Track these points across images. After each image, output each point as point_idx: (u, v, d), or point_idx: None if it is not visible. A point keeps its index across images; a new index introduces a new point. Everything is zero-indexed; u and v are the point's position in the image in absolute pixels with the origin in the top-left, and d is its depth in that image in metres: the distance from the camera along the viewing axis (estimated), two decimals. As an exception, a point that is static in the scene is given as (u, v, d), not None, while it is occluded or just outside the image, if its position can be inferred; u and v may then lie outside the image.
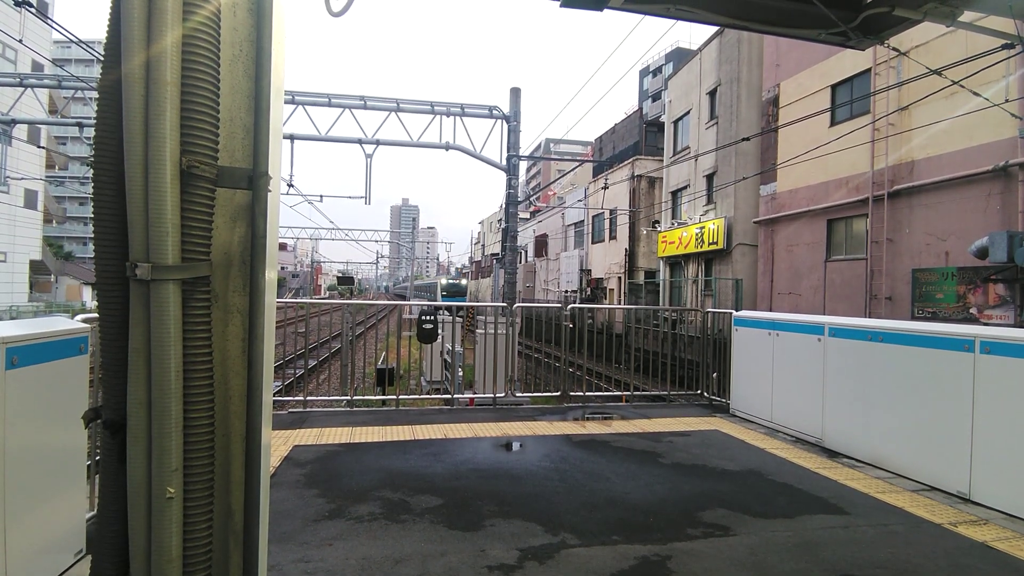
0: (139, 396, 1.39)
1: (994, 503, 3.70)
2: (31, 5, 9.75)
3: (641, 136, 30.52)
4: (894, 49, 10.86)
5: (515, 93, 13.57)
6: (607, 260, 30.45)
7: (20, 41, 19.76)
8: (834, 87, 15.89)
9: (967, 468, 3.85)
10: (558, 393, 7.18)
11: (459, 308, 11.46)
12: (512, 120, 13.36)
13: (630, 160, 28.76)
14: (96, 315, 2.40)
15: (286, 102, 11.70)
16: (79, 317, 3.00)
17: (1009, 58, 9.07)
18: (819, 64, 16.24)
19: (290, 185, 16.35)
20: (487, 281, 50.30)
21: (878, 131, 14.13)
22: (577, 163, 36.02)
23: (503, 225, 14.67)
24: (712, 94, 22.19)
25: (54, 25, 10.32)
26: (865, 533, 3.32)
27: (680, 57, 40.20)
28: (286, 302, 8.63)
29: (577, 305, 7.86)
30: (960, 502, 3.83)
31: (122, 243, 1.42)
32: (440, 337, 8.48)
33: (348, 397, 6.75)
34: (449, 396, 7.67)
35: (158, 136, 1.36)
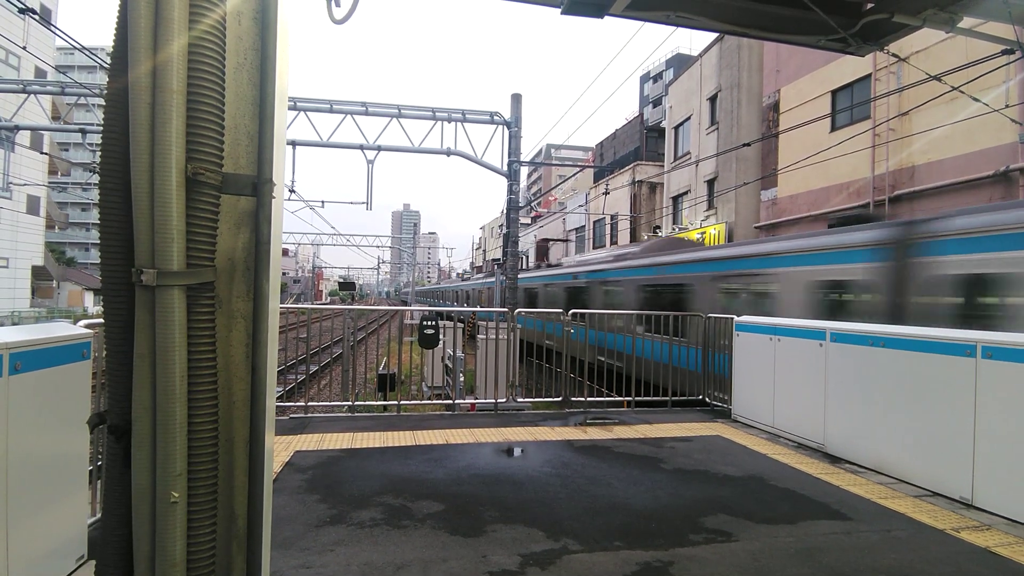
0: (144, 401, 1.40)
1: (997, 508, 3.69)
2: (35, 12, 9.82)
3: (642, 141, 30.60)
4: (894, 55, 10.89)
5: (516, 99, 13.62)
6: (608, 265, 30.44)
7: (24, 48, 19.84)
8: (834, 92, 15.94)
9: (969, 473, 3.84)
10: (559, 398, 7.18)
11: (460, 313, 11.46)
12: (513, 126, 13.39)
13: (631, 165, 28.82)
14: (99, 321, 2.42)
15: (288, 108, 11.67)
16: (81, 323, 3.01)
17: (1009, 63, 9.09)
18: (819, 70, 16.29)
19: (292, 191, 16.41)
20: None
21: (878, 136, 14.16)
22: (578, 168, 36.11)
23: (504, 230, 14.69)
24: (713, 100, 22.26)
25: (57, 32, 10.38)
26: (868, 539, 3.32)
27: (681, 63, 40.34)
28: (288, 307, 8.62)
29: (578, 310, 7.87)
30: (963, 507, 3.82)
31: (128, 249, 1.44)
32: (441, 343, 8.48)
33: (349, 402, 6.75)
34: (450, 401, 7.66)
35: (164, 143, 1.38)
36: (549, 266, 24.71)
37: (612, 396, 8.32)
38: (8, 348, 2.16)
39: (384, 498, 3.78)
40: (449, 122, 13.68)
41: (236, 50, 1.58)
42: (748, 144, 13.85)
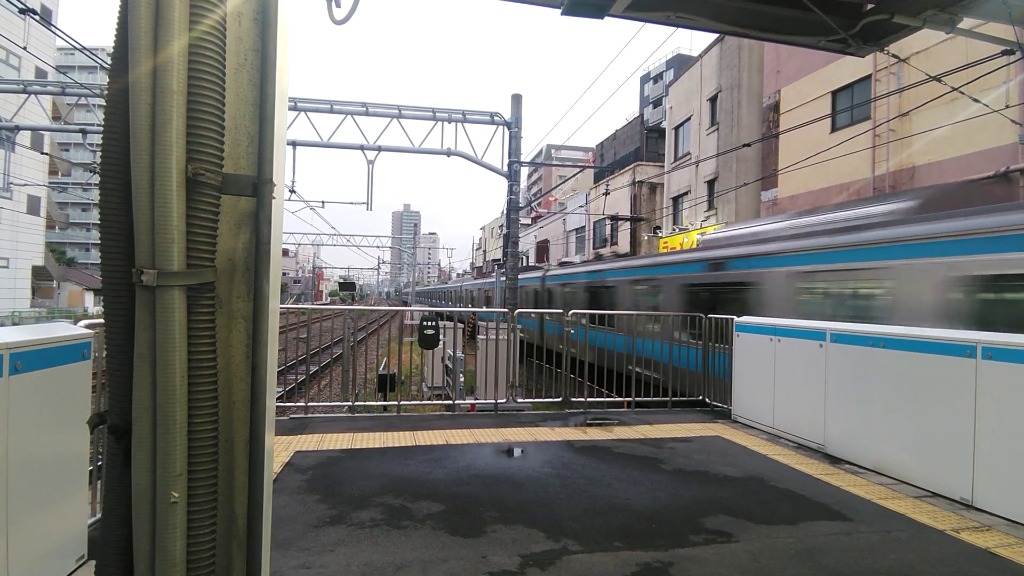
0: (144, 401, 1.40)
1: (997, 509, 3.68)
2: (35, 12, 9.83)
3: (642, 142, 30.59)
4: (894, 56, 10.90)
5: (516, 100, 13.62)
6: (608, 266, 30.40)
7: (24, 48, 19.85)
8: (835, 93, 15.94)
9: (969, 474, 3.84)
10: (560, 399, 7.18)
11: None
12: (513, 126, 13.40)
13: (631, 166, 28.82)
14: (99, 321, 2.42)
15: (288, 108, 11.56)
16: (82, 323, 3.01)
17: (1009, 64, 9.09)
18: (819, 70, 16.30)
19: (292, 191, 16.41)
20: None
21: (879, 137, 14.16)
22: (578, 169, 36.11)
23: (504, 231, 14.69)
24: (713, 100, 22.26)
25: (58, 32, 10.39)
26: (868, 540, 3.31)
27: (681, 63, 40.34)
28: (288, 308, 8.62)
29: (578, 310, 7.87)
30: (963, 508, 3.82)
31: (128, 249, 1.44)
32: (442, 343, 8.48)
33: (350, 403, 6.75)
34: (450, 402, 7.66)
35: (164, 144, 1.38)
36: (618, 255, 17.14)
37: (612, 397, 8.32)
38: (8, 348, 2.16)
39: (384, 498, 3.78)
40: (449, 122, 13.68)
41: (236, 51, 1.58)
42: (748, 144, 13.86)
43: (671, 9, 4.91)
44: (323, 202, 25.63)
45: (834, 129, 15.79)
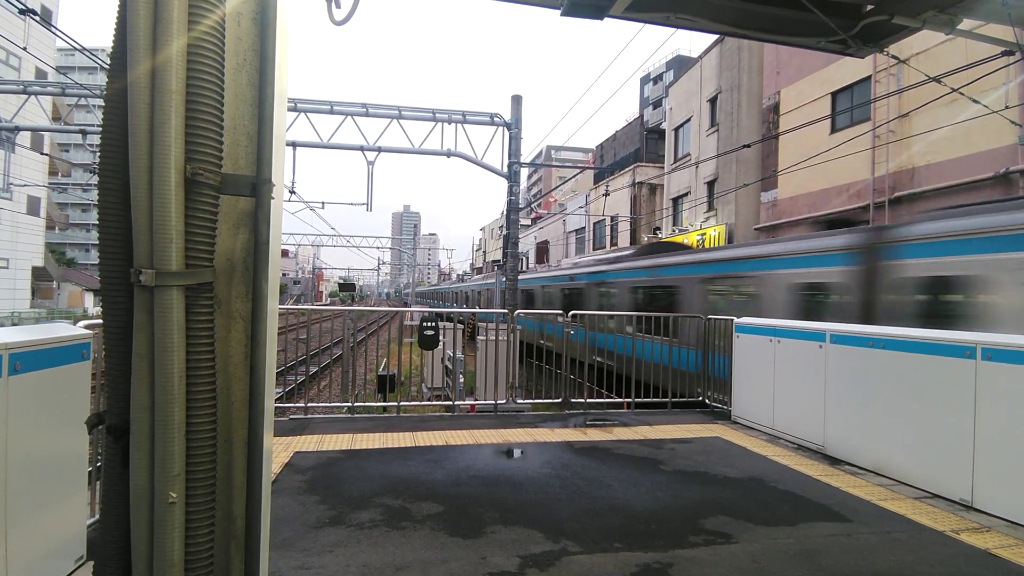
0: (142, 401, 1.40)
1: (997, 510, 3.68)
2: (35, 13, 9.83)
3: (642, 143, 30.62)
4: (894, 57, 10.91)
5: (516, 100, 13.62)
6: (608, 266, 30.40)
7: (24, 49, 19.86)
8: (834, 94, 15.95)
9: (969, 475, 3.83)
10: (559, 400, 7.17)
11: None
12: (513, 127, 13.40)
13: (631, 167, 28.85)
14: (98, 321, 2.42)
15: (288, 109, 11.43)
16: (81, 323, 3.01)
17: (1009, 65, 9.10)
18: (819, 72, 16.31)
19: (292, 192, 16.42)
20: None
21: (879, 138, 14.17)
22: (578, 170, 36.13)
23: (504, 232, 14.68)
24: (713, 101, 22.28)
25: (58, 33, 10.39)
26: (867, 541, 3.31)
27: (681, 64, 40.36)
28: (287, 308, 8.61)
29: (578, 311, 7.86)
30: (963, 509, 3.81)
31: (127, 249, 1.44)
32: (441, 344, 8.47)
33: (349, 403, 6.75)
34: (450, 403, 7.66)
35: (163, 143, 1.38)
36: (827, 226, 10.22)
37: (612, 398, 8.31)
38: (8, 348, 2.16)
39: (383, 499, 3.78)
40: (449, 123, 13.68)
41: (235, 51, 1.58)
42: (748, 145, 13.86)
43: (671, 10, 4.91)
44: (323, 203, 25.69)
45: (834, 130, 15.80)
